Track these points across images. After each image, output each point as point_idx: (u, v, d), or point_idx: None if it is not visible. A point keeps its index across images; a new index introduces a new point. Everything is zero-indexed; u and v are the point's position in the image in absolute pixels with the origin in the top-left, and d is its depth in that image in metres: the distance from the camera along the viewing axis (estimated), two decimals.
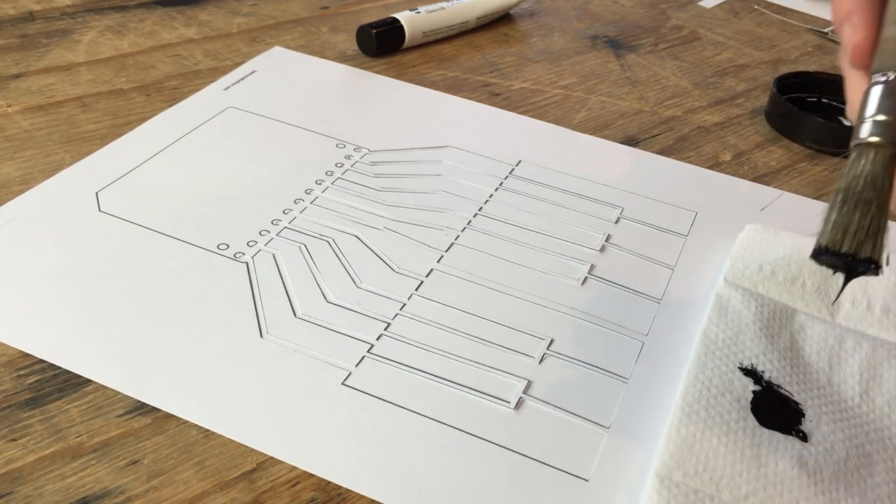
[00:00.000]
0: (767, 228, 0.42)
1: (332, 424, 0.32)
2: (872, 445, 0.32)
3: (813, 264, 0.38)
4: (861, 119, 0.30)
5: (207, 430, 0.32)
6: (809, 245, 0.40)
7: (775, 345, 0.35)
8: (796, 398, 0.33)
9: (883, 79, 0.29)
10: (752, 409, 0.32)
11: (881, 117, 0.29)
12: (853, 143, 0.30)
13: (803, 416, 0.32)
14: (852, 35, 0.30)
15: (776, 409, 0.33)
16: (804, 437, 0.32)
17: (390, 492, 0.30)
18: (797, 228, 0.43)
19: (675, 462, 0.30)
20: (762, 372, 0.34)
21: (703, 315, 0.37)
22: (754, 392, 0.33)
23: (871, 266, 0.29)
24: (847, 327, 0.37)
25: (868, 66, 0.30)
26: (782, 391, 0.34)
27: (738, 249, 0.41)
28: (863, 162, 0.29)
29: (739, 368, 0.34)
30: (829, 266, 0.29)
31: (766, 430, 0.32)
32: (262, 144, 0.49)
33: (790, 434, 0.32)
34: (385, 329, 0.37)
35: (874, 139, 0.29)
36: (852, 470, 0.31)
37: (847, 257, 0.29)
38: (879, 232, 0.29)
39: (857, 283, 0.38)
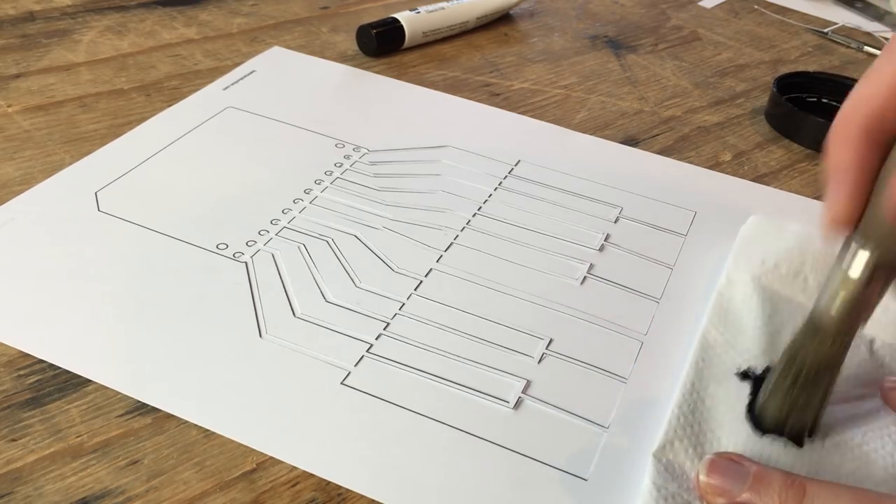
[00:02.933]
0: (770, 220, 0.42)
1: (332, 424, 0.32)
2: (871, 445, 0.32)
3: (816, 259, 0.38)
4: (826, 291, 0.29)
5: (207, 430, 0.32)
6: (814, 238, 0.39)
7: (776, 344, 0.35)
8: None
9: (860, 258, 0.28)
10: (747, 414, 0.32)
11: (845, 307, 0.28)
12: (814, 313, 0.29)
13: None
14: (833, 203, 0.28)
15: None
16: (800, 443, 0.32)
17: (390, 492, 0.30)
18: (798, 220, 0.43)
19: (670, 474, 0.30)
20: (759, 374, 0.34)
21: (703, 315, 0.37)
22: (750, 395, 0.33)
23: (792, 438, 0.31)
24: None
25: (845, 233, 0.29)
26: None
27: (741, 242, 0.40)
28: (823, 343, 0.30)
29: (737, 374, 0.34)
30: (768, 432, 0.31)
31: (759, 438, 0.32)
32: (262, 144, 0.49)
33: (784, 439, 0.32)
34: (384, 329, 0.37)
35: (835, 325, 0.29)
36: (847, 474, 0.31)
37: (785, 432, 0.31)
38: (820, 414, 0.31)
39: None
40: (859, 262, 0.28)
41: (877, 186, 0.27)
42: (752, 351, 0.35)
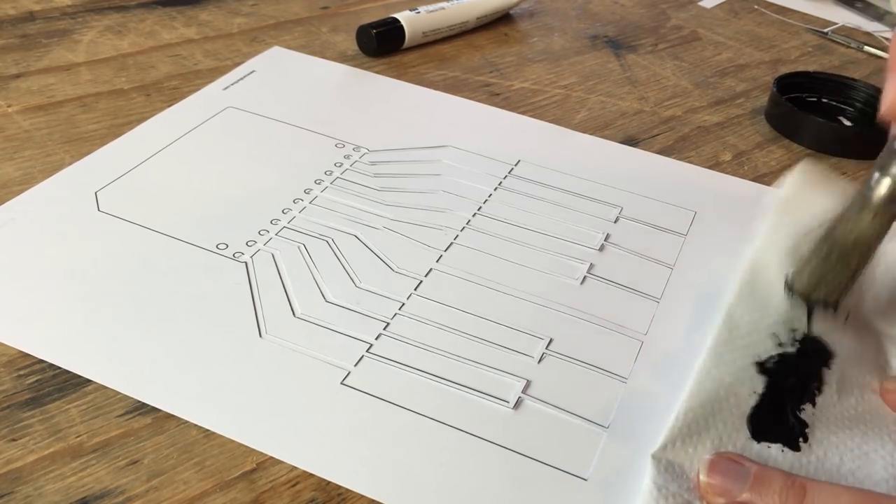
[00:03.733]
0: (819, 170, 0.40)
1: (332, 424, 0.32)
2: (871, 445, 0.32)
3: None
4: (883, 169, 0.29)
5: (207, 430, 0.32)
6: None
7: (798, 333, 0.34)
8: (795, 402, 0.33)
9: None
10: (748, 420, 0.32)
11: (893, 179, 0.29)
12: (865, 191, 0.30)
13: (797, 429, 0.32)
14: (889, 93, 0.30)
15: (771, 424, 0.32)
16: (796, 448, 0.31)
17: (390, 491, 0.30)
18: None
19: (670, 474, 0.30)
20: (774, 368, 0.33)
21: (728, 291, 0.36)
22: (759, 396, 0.33)
23: (828, 309, 0.31)
24: (848, 322, 0.37)
25: None
26: (786, 397, 0.33)
27: (781, 207, 0.39)
28: (864, 218, 0.30)
29: (756, 364, 0.34)
30: (795, 300, 0.32)
31: (760, 441, 0.32)
32: (262, 144, 0.49)
33: (782, 444, 0.32)
34: (384, 329, 0.37)
35: (882, 201, 0.29)
36: (847, 475, 0.31)
37: (812, 302, 0.31)
38: (849, 289, 0.31)
39: (860, 279, 0.38)
40: None
41: None
42: (773, 339, 0.34)
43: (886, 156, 0.29)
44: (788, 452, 0.31)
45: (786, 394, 0.33)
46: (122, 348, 0.34)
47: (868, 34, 0.72)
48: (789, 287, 0.31)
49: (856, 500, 0.28)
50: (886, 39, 0.70)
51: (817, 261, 0.31)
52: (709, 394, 0.32)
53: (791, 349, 0.34)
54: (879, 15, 0.75)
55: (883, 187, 0.29)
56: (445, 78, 0.58)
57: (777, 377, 0.34)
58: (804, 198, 0.39)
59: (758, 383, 0.33)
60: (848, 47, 0.69)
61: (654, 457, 0.30)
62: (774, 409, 0.33)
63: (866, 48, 0.68)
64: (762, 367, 0.34)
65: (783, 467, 0.30)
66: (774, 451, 0.31)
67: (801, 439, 0.32)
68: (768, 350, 0.34)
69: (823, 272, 0.31)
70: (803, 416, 0.33)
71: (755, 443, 0.31)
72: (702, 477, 0.29)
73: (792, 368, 0.34)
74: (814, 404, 0.33)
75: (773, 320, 0.35)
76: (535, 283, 0.40)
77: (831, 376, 0.34)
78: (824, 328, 0.35)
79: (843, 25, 0.72)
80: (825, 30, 0.71)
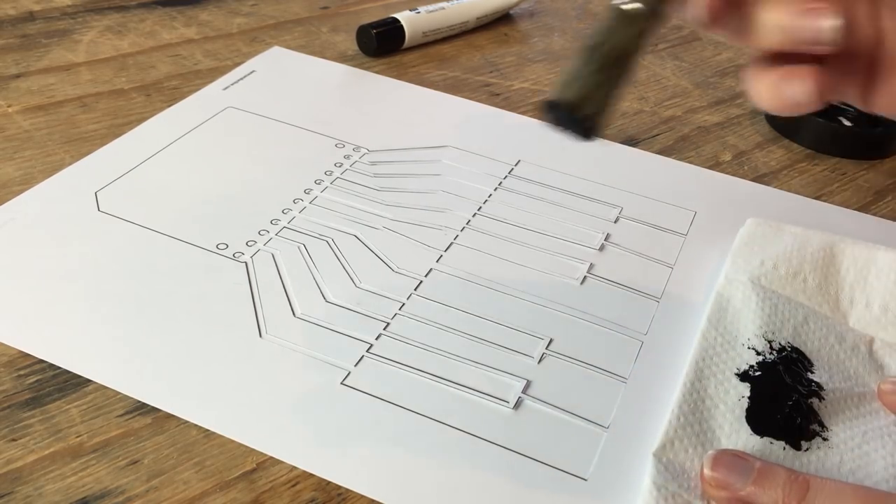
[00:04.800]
0: (769, 222, 0.42)
1: (332, 424, 0.32)
2: (871, 445, 0.32)
3: (815, 259, 0.38)
4: None
5: (207, 430, 0.32)
6: (812, 239, 0.40)
7: (775, 343, 0.35)
8: (794, 398, 0.33)
9: None
10: (746, 417, 0.32)
11: None
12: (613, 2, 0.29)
13: (796, 421, 0.32)
14: None
15: (769, 417, 0.33)
16: (797, 446, 0.32)
17: (390, 492, 0.30)
18: (796, 223, 0.43)
19: (670, 474, 0.30)
20: (758, 374, 0.34)
21: (703, 315, 0.37)
22: (749, 399, 0.33)
23: (589, 131, 0.29)
24: (847, 325, 0.37)
25: None
26: (778, 393, 0.34)
27: (740, 244, 0.41)
28: (617, 26, 0.29)
29: (736, 374, 0.34)
30: (554, 118, 0.29)
31: (758, 439, 0.32)
32: (262, 144, 0.49)
33: (783, 442, 0.32)
34: (384, 329, 0.37)
35: (630, 7, 0.29)
36: (847, 474, 0.31)
37: (571, 116, 0.29)
38: (609, 105, 0.29)
39: (857, 282, 0.38)
40: None
41: None
42: (750, 352, 0.35)
43: None
44: (789, 451, 0.31)
45: (775, 391, 0.33)
46: (122, 348, 0.34)
47: None
48: (549, 101, 0.29)
49: (858, 496, 0.28)
50: None
51: (578, 72, 0.29)
52: (696, 404, 0.33)
53: (770, 357, 0.35)
54: None
55: None
56: (445, 78, 0.58)
57: (761, 380, 0.34)
58: (763, 237, 0.41)
59: (743, 389, 0.34)
60: None
61: (654, 456, 0.30)
62: (768, 403, 0.33)
63: None
64: (744, 375, 0.34)
65: (784, 464, 0.30)
66: (776, 450, 0.31)
67: (801, 438, 0.32)
68: (747, 360, 0.35)
69: (584, 83, 0.30)
70: (798, 409, 0.33)
71: (755, 441, 0.31)
72: (705, 471, 0.29)
73: (774, 374, 0.34)
74: (808, 403, 0.33)
75: (746, 338, 0.36)
76: (535, 283, 0.40)
77: (819, 379, 0.34)
78: (804, 337, 0.36)
79: None
80: None
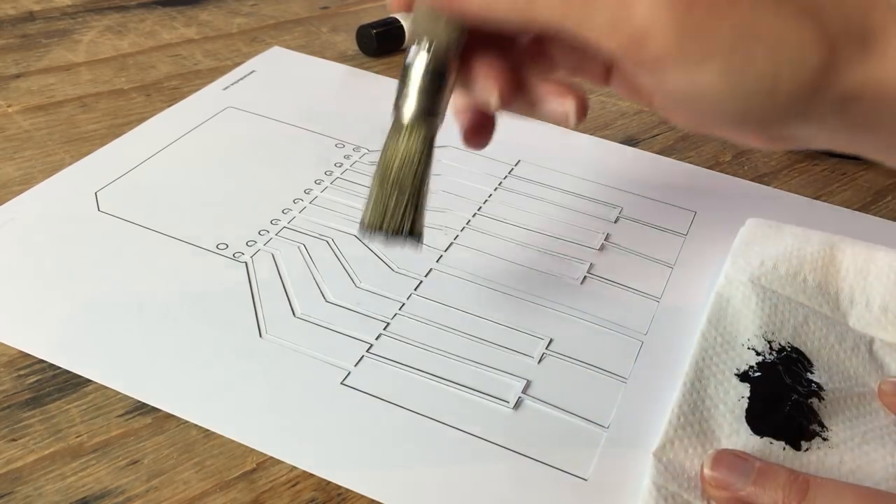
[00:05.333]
0: (769, 223, 0.42)
1: (332, 424, 0.32)
2: (871, 445, 0.32)
3: (814, 259, 0.38)
4: (400, 92, 0.29)
5: (207, 430, 0.32)
6: (812, 239, 0.40)
7: (775, 343, 0.35)
8: (793, 398, 0.33)
9: (421, 52, 0.28)
10: (746, 417, 0.32)
11: (416, 99, 0.29)
12: (395, 112, 0.30)
13: (796, 421, 0.32)
14: None
15: (769, 417, 0.33)
16: (797, 446, 0.32)
17: (390, 492, 0.30)
18: (796, 223, 0.43)
19: (670, 474, 0.30)
20: (757, 375, 0.34)
21: (703, 316, 0.37)
22: (749, 399, 0.33)
23: (411, 240, 0.31)
24: (847, 325, 0.37)
25: (400, 11, 0.29)
26: (778, 394, 0.34)
27: (739, 244, 0.41)
28: (400, 143, 0.30)
29: (735, 375, 0.34)
30: (375, 241, 0.31)
31: (758, 439, 0.32)
32: (262, 144, 0.49)
33: (783, 442, 0.32)
34: (384, 329, 0.37)
35: (409, 120, 0.30)
36: (847, 474, 0.31)
37: (388, 236, 0.31)
38: (417, 211, 0.31)
39: (857, 282, 0.39)
40: (415, 54, 0.28)
41: None
42: (750, 352, 0.35)
43: (404, 75, 0.29)
44: (789, 451, 0.31)
45: (775, 391, 0.34)
46: (122, 348, 0.34)
47: None
48: (361, 226, 0.31)
49: (858, 496, 0.28)
50: None
51: (376, 193, 0.31)
52: (696, 404, 0.33)
53: (770, 358, 0.35)
54: None
55: (408, 108, 0.29)
56: None
57: (761, 381, 0.34)
58: (763, 237, 0.41)
59: (743, 389, 0.33)
60: None
61: (654, 455, 0.30)
62: (768, 403, 0.33)
63: None
64: (744, 376, 0.34)
65: (784, 464, 0.30)
66: (776, 450, 0.31)
67: (801, 438, 0.32)
68: (747, 361, 0.35)
69: (386, 202, 0.31)
70: (798, 409, 0.33)
71: (755, 442, 0.31)
72: (706, 471, 0.29)
73: (774, 374, 0.34)
74: (808, 403, 0.33)
75: (746, 338, 0.36)
76: (536, 283, 0.40)
77: (818, 379, 0.34)
78: (804, 337, 0.36)
79: None
80: None
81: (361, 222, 0.31)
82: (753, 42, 0.24)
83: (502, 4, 0.25)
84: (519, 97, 0.29)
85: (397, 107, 0.30)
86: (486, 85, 0.28)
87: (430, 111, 0.29)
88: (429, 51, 0.28)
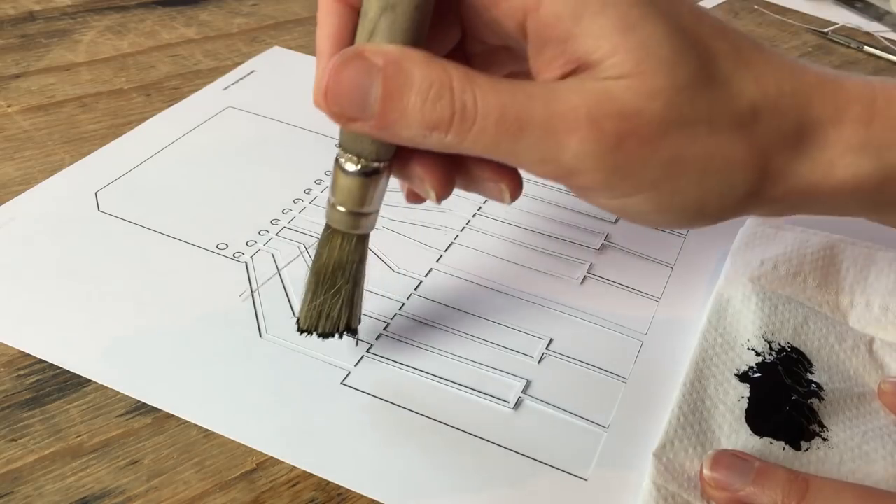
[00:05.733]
0: (768, 222, 0.42)
1: (332, 424, 0.32)
2: (871, 445, 0.32)
3: (814, 259, 0.38)
4: (332, 193, 0.29)
5: (207, 430, 0.32)
6: (812, 239, 0.40)
7: (774, 343, 0.35)
8: (793, 399, 0.33)
9: (352, 167, 0.28)
10: (745, 418, 0.32)
11: (346, 205, 0.29)
12: (327, 217, 0.30)
13: (796, 422, 0.32)
14: (317, 78, 0.27)
15: (769, 417, 0.33)
16: (797, 446, 0.32)
17: (390, 492, 0.30)
18: (796, 224, 0.43)
19: (670, 474, 0.30)
20: (757, 376, 0.34)
21: (703, 316, 0.37)
22: (749, 399, 0.33)
23: (347, 335, 0.33)
24: (847, 325, 0.37)
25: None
26: (778, 394, 0.34)
27: (739, 244, 0.41)
28: (333, 245, 0.31)
29: (735, 375, 0.34)
30: (309, 337, 0.33)
31: (758, 439, 0.32)
32: (262, 144, 0.49)
33: (783, 442, 0.32)
34: (384, 329, 0.37)
35: (339, 224, 0.30)
36: (847, 474, 0.31)
37: (323, 336, 0.32)
38: (352, 310, 0.32)
39: (857, 282, 0.39)
40: (344, 160, 0.28)
41: None
42: (750, 353, 0.35)
43: (335, 177, 0.29)
44: (789, 451, 0.31)
45: (774, 391, 0.34)
46: (122, 348, 0.34)
47: (868, 34, 0.72)
48: (297, 327, 0.33)
49: (858, 495, 0.28)
50: (887, 39, 0.70)
51: (311, 296, 0.32)
52: (696, 404, 0.33)
53: (770, 358, 0.35)
54: (879, 15, 0.75)
55: (337, 212, 0.30)
56: None
57: (761, 381, 0.34)
58: (763, 237, 0.41)
59: (743, 390, 0.34)
60: (848, 47, 0.69)
61: (654, 455, 0.30)
62: (768, 404, 0.33)
63: (866, 48, 0.68)
64: (744, 376, 0.34)
65: (784, 465, 0.30)
66: (776, 450, 0.31)
67: (800, 439, 0.32)
68: (747, 361, 0.35)
69: (320, 305, 0.32)
70: (798, 409, 0.33)
71: (755, 442, 0.32)
72: (705, 471, 0.29)
73: (774, 375, 0.34)
74: (808, 403, 0.33)
75: (745, 339, 0.36)
76: (535, 283, 0.40)
77: (818, 380, 0.34)
78: (804, 337, 0.36)
79: (843, 25, 0.72)
80: (825, 30, 0.71)
81: (297, 323, 0.32)
82: (681, 173, 0.25)
83: (433, 138, 0.25)
84: (458, 181, 0.29)
85: (330, 211, 0.30)
86: (423, 184, 0.28)
87: (361, 213, 0.30)
88: (358, 162, 0.28)
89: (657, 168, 0.24)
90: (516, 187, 0.29)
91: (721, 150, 0.24)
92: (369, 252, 0.41)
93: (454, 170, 0.28)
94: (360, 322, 0.33)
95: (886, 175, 0.25)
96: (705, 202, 0.25)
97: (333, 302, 0.32)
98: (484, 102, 0.24)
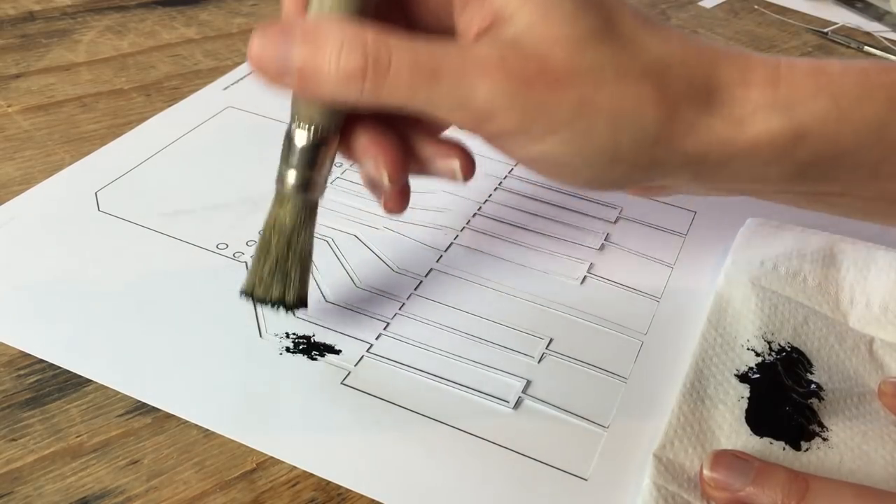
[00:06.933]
0: (769, 222, 0.42)
1: (332, 424, 0.32)
2: (871, 445, 0.32)
3: (814, 259, 0.38)
4: (281, 165, 0.31)
5: (207, 430, 0.32)
6: (812, 239, 0.40)
7: (774, 343, 0.35)
8: (793, 399, 0.33)
9: (298, 130, 0.30)
10: (745, 418, 0.33)
11: (295, 172, 0.30)
12: (277, 184, 0.31)
13: (796, 422, 0.32)
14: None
15: (769, 418, 0.33)
16: (797, 446, 0.32)
17: (390, 491, 0.30)
18: (796, 223, 0.43)
19: (670, 474, 0.30)
20: (757, 377, 0.34)
21: (703, 316, 0.37)
22: (749, 399, 0.33)
23: (286, 307, 0.33)
24: (847, 325, 0.37)
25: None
26: (777, 394, 0.34)
27: (739, 244, 0.41)
28: (279, 210, 0.31)
29: (735, 376, 0.34)
30: (253, 304, 0.33)
31: (758, 440, 0.32)
32: (261, 144, 0.48)
33: (783, 442, 0.32)
34: (384, 328, 0.37)
35: (287, 192, 0.31)
36: (847, 474, 0.31)
37: (262, 303, 0.32)
38: (296, 280, 0.32)
39: (857, 282, 0.39)
40: (293, 130, 0.30)
41: None
42: (750, 353, 0.35)
43: (286, 147, 0.30)
44: (789, 451, 0.31)
45: (774, 391, 0.34)
46: (122, 348, 0.34)
47: (868, 34, 0.72)
48: (244, 293, 0.33)
49: (857, 495, 0.28)
50: (887, 39, 0.70)
51: (258, 263, 0.32)
52: (696, 404, 0.33)
53: (769, 358, 0.35)
54: (879, 15, 0.75)
55: (290, 177, 0.31)
56: None
57: (760, 381, 0.34)
58: (763, 237, 0.41)
59: (743, 390, 0.34)
60: (848, 47, 0.69)
61: (654, 455, 0.30)
62: (768, 404, 0.33)
63: (866, 48, 0.68)
64: (744, 377, 0.34)
65: (784, 465, 0.30)
66: (775, 450, 0.31)
67: (800, 439, 0.32)
68: (747, 362, 0.35)
69: (267, 272, 0.32)
70: (798, 409, 0.33)
71: (755, 442, 0.32)
72: (705, 471, 0.29)
73: (773, 375, 0.34)
74: (808, 403, 0.33)
75: (745, 339, 0.36)
76: (536, 282, 0.40)
77: (818, 380, 0.34)
78: (803, 338, 0.36)
79: (842, 25, 0.72)
80: (825, 30, 0.71)
81: (245, 288, 0.33)
82: (593, 114, 0.26)
83: (352, 89, 0.26)
84: (412, 166, 0.30)
85: (278, 179, 0.31)
86: (375, 166, 0.29)
87: (308, 184, 0.31)
88: (307, 129, 0.29)
89: (568, 109, 0.25)
90: (468, 164, 0.30)
91: (629, 94, 0.26)
92: (369, 251, 0.41)
93: (406, 150, 0.29)
94: (298, 300, 0.33)
95: (797, 132, 0.26)
96: (618, 144, 0.26)
97: (272, 270, 0.32)
98: (398, 54, 0.25)
